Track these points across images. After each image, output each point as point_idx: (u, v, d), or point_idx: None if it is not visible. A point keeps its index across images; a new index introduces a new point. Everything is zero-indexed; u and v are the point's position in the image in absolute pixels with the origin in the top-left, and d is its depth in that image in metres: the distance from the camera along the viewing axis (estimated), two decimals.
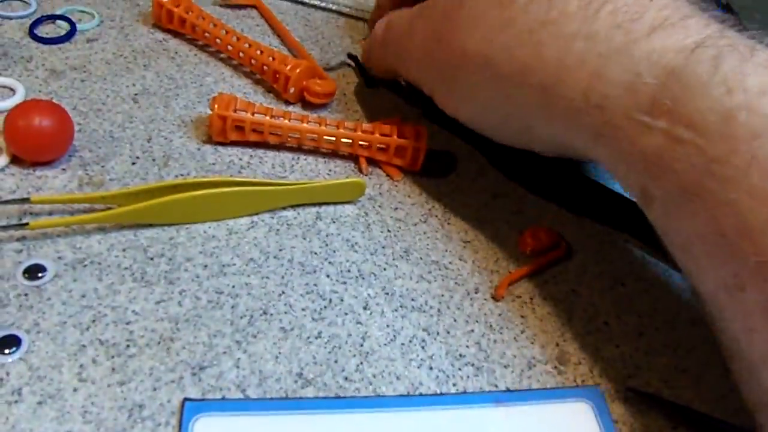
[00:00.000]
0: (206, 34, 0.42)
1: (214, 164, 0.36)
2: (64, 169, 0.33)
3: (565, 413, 0.29)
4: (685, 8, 0.27)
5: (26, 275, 0.28)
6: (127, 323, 0.28)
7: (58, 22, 0.43)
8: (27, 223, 0.29)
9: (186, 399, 0.26)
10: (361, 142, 0.37)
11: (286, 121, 0.36)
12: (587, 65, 0.27)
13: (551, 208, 0.39)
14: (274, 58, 0.41)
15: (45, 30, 0.42)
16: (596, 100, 0.27)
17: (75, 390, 0.25)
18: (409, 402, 0.28)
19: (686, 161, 0.25)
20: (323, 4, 0.51)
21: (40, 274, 0.28)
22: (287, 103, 0.41)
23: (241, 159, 0.37)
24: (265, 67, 0.41)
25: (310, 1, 0.51)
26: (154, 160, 0.35)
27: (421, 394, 0.28)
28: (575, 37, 0.28)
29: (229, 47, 0.42)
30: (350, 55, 0.45)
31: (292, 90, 0.40)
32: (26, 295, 0.28)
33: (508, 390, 0.29)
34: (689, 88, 0.25)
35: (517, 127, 0.33)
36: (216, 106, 0.36)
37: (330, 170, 0.38)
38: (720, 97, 0.24)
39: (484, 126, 0.35)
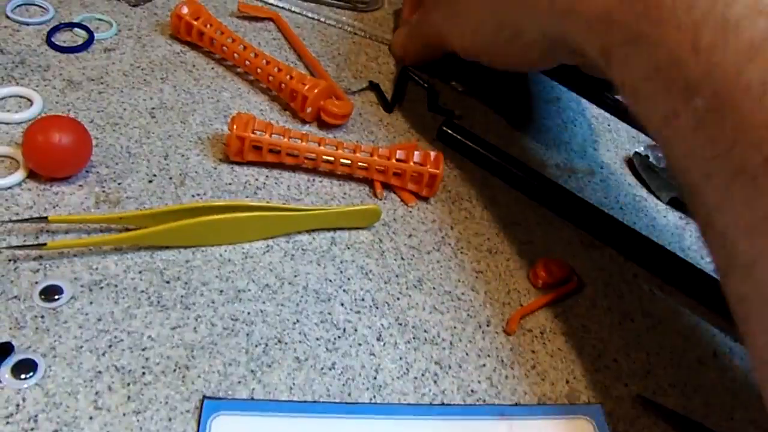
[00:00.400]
0: (224, 49, 0.42)
1: (230, 184, 0.36)
2: (81, 186, 0.33)
3: (566, 429, 0.30)
4: None
5: (43, 296, 0.28)
6: (143, 349, 0.28)
7: (76, 30, 0.43)
8: (45, 244, 0.29)
9: (205, 397, 0.26)
10: (376, 167, 0.37)
11: (303, 143, 0.37)
12: None
13: (562, 238, 0.39)
14: (291, 77, 0.41)
15: (62, 38, 0.42)
16: None
17: (91, 418, 0.25)
18: (413, 411, 0.28)
19: (629, 12, 0.28)
20: (339, 25, 0.51)
21: (56, 296, 0.28)
22: (303, 121, 0.41)
23: (257, 179, 0.37)
24: (282, 85, 0.41)
25: (327, 21, 0.51)
26: (170, 178, 0.35)
27: (429, 404, 0.29)
28: None
29: (247, 62, 0.42)
30: (371, 83, 0.45)
31: (309, 110, 0.40)
32: (42, 317, 0.28)
33: (513, 404, 0.30)
34: None
35: (509, 35, 0.37)
36: (235, 126, 0.36)
37: (345, 193, 0.38)
38: None
39: (486, 47, 0.40)
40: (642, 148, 0.47)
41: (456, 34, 0.41)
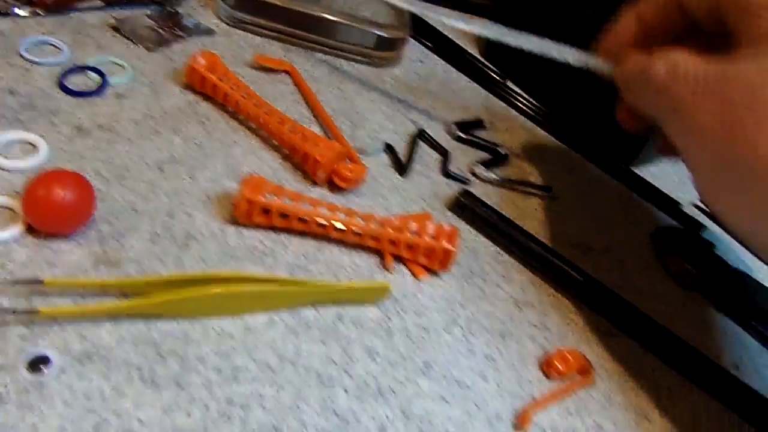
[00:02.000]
0: (237, 104, 0.41)
1: (236, 248, 0.34)
2: (80, 243, 0.32)
3: None
4: None
5: (29, 367, 0.26)
6: None
7: (89, 73, 0.42)
8: (37, 311, 0.28)
9: None
10: (388, 239, 0.36)
11: (315, 209, 0.35)
12: None
13: (577, 324, 0.37)
14: (305, 138, 0.39)
15: (75, 81, 0.41)
16: None
17: None
18: None
19: None
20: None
21: (43, 367, 0.27)
22: (314, 182, 0.40)
23: (264, 244, 0.35)
24: (295, 146, 0.40)
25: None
26: (174, 238, 0.34)
27: None
28: None
29: (260, 120, 0.41)
30: (387, 145, 0.44)
31: (321, 174, 0.39)
32: (27, 391, 0.26)
33: None
34: None
35: None
36: (245, 189, 0.34)
37: (354, 263, 0.36)
38: None
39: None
40: (662, 230, 0.45)
41: (726, 205, 0.30)
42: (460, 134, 0.48)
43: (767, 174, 0.26)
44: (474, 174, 0.45)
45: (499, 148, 0.48)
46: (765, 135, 0.26)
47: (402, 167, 0.43)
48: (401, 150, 0.45)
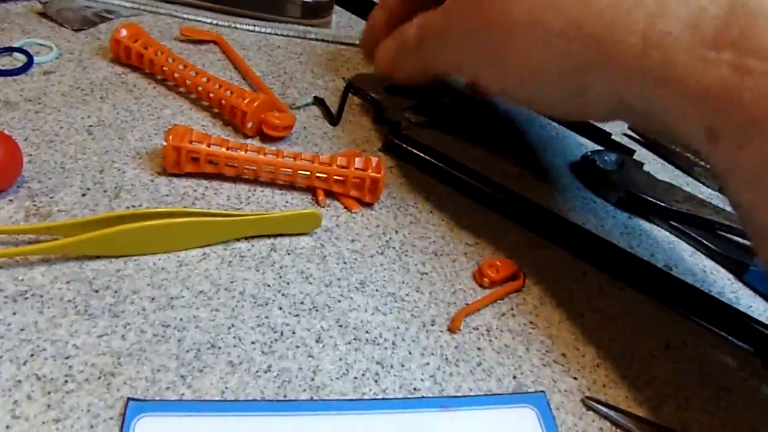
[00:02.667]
0: (164, 69, 0.42)
1: (167, 195, 0.35)
2: (10, 200, 0.33)
3: (509, 418, 0.29)
4: None
5: None
6: (67, 357, 0.27)
7: (15, 54, 0.42)
8: None
9: (130, 399, 0.25)
10: (318, 174, 0.37)
11: (243, 152, 0.36)
12: (645, 6, 0.27)
13: (509, 240, 0.39)
14: (231, 92, 0.41)
15: (1, 62, 0.42)
16: (657, 40, 0.27)
17: (7, 428, 0.24)
18: (351, 405, 0.27)
19: (755, 91, 0.24)
20: (282, 33, 0.51)
21: None
22: (246, 136, 0.41)
23: (195, 190, 0.36)
24: (222, 102, 0.41)
25: (272, 32, 0.51)
26: (105, 191, 0.34)
27: (362, 399, 0.28)
28: None
29: (187, 81, 0.42)
30: (316, 98, 0.45)
31: (249, 125, 0.40)
32: None
33: (453, 396, 0.29)
34: (755, 16, 0.25)
35: (572, 89, 0.32)
36: (171, 137, 0.35)
37: (287, 202, 0.37)
38: None
39: (536, 94, 0.35)
40: (589, 153, 0.47)
41: (496, 77, 0.36)
42: (391, 85, 0.49)
43: (510, 32, 0.33)
44: (406, 119, 0.47)
45: (431, 96, 0.49)
46: (503, 8, 0.33)
47: (333, 117, 0.45)
48: (333, 105, 0.46)
